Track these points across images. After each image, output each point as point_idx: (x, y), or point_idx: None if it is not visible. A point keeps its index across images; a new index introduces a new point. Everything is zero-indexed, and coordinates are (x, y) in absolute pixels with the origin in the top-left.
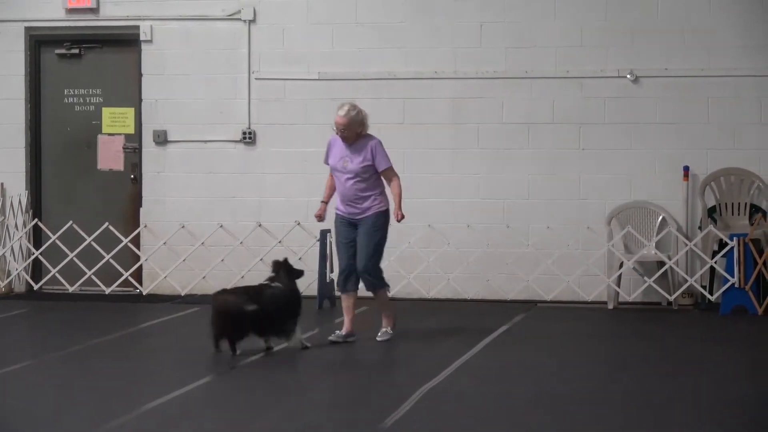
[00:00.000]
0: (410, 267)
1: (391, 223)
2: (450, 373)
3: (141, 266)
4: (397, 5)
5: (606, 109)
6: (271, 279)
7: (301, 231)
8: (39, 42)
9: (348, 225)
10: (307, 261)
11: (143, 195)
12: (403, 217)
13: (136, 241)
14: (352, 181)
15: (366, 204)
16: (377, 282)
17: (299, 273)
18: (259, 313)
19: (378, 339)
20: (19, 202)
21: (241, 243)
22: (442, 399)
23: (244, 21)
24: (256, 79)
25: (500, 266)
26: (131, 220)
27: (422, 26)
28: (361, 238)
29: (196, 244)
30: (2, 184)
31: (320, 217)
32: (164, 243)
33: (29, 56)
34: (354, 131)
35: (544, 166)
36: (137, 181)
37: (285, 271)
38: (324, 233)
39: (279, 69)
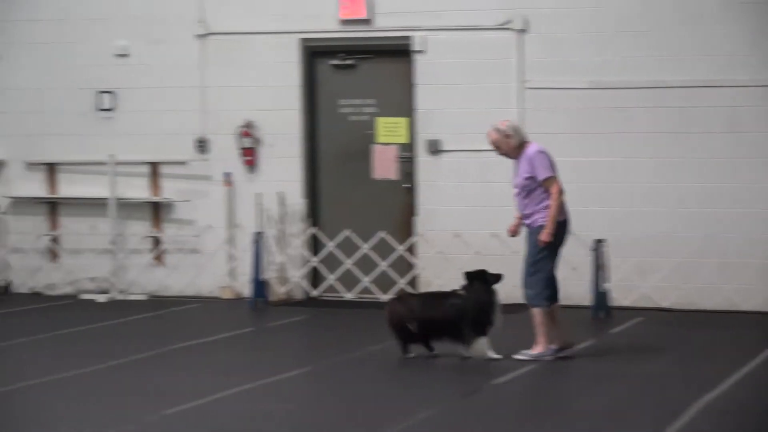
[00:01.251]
0: (686, 278)
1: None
2: (727, 387)
3: (416, 275)
4: (669, 13)
5: None
6: (463, 288)
7: (574, 240)
8: (314, 53)
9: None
10: (580, 270)
11: (417, 204)
12: (545, 243)
13: (411, 249)
14: (519, 197)
15: (533, 218)
16: (532, 299)
17: (494, 280)
18: (427, 320)
19: (513, 356)
20: (297, 210)
21: (514, 252)
22: (717, 414)
23: (515, 31)
24: (527, 88)
25: None
26: (406, 228)
27: (694, 33)
28: (526, 251)
29: (470, 253)
30: (281, 192)
31: (512, 233)
32: (439, 252)
33: (304, 67)
34: (505, 147)
35: None
36: (411, 190)
37: (479, 281)
38: (598, 242)
39: (550, 78)
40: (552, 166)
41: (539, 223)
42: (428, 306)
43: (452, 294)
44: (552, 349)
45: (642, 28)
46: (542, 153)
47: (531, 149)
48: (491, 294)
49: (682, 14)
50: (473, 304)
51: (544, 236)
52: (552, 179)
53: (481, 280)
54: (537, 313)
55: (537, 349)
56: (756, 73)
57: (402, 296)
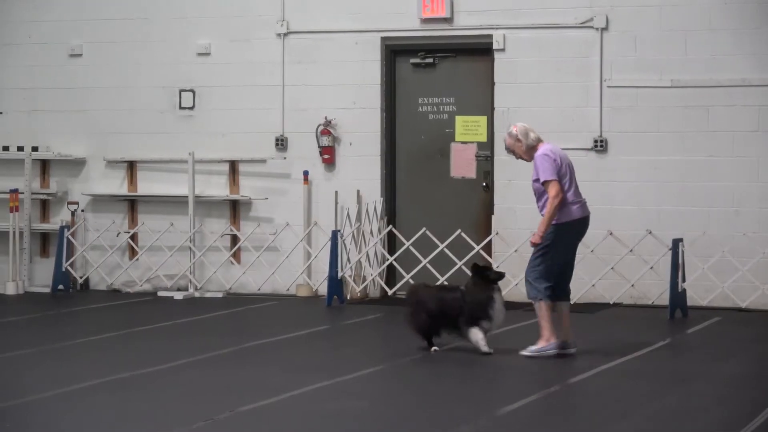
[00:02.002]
0: (765, 278)
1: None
2: None
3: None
4: (752, 10)
5: None
6: (466, 284)
7: (652, 240)
8: (394, 52)
9: None
10: (658, 270)
11: (495, 203)
12: (536, 244)
13: (487, 248)
14: (536, 198)
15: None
16: (530, 292)
17: (496, 276)
18: (431, 312)
19: (521, 352)
20: (375, 208)
21: (592, 251)
22: None
23: (596, 29)
24: (608, 87)
25: None
26: (483, 227)
27: None
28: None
29: None
30: (358, 191)
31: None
32: (515, 250)
33: (385, 66)
34: (518, 151)
35: None
36: (489, 188)
37: (478, 276)
38: (676, 242)
39: (631, 76)
40: (553, 168)
41: None
42: (433, 299)
43: (455, 288)
44: (554, 343)
45: (723, 26)
46: (545, 156)
47: (538, 152)
48: (491, 290)
49: (764, 11)
50: (470, 298)
51: (534, 238)
52: (550, 182)
53: (483, 276)
54: (539, 307)
55: (540, 344)
56: None
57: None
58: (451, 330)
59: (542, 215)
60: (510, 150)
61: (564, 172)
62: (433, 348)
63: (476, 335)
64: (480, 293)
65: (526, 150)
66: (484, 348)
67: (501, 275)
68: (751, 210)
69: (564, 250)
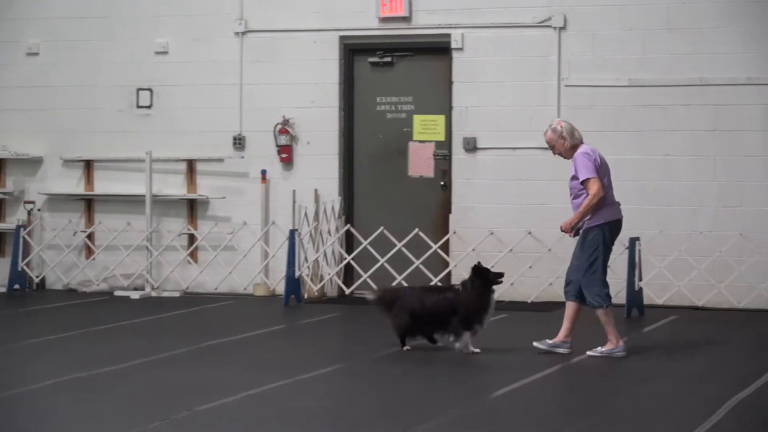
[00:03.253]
0: (721, 276)
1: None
2: (761, 384)
3: (450, 272)
4: (709, 10)
5: None
6: (462, 283)
7: None
8: (353, 51)
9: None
10: (615, 269)
11: (453, 202)
12: (565, 231)
13: (445, 247)
14: (572, 197)
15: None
16: (592, 300)
17: (492, 278)
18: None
19: (588, 352)
20: (332, 207)
21: (549, 250)
22: (752, 411)
23: (555, 28)
24: (566, 86)
25: None
26: (440, 226)
27: (735, 31)
28: (579, 251)
29: (504, 251)
30: (316, 190)
31: (572, 234)
32: (473, 249)
33: (343, 65)
34: (560, 148)
35: None
36: (447, 187)
37: (476, 276)
38: (632, 241)
39: (589, 76)
40: (594, 167)
41: (587, 225)
42: (424, 299)
43: (449, 288)
44: (622, 346)
45: (681, 25)
46: (586, 154)
47: (579, 150)
48: (490, 292)
49: (724, 10)
50: (467, 301)
51: (564, 223)
52: (590, 180)
53: (483, 278)
54: (601, 313)
55: (608, 346)
56: None
57: (391, 289)
58: (443, 331)
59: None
60: (551, 145)
61: (603, 173)
62: (406, 347)
63: (466, 337)
64: (478, 296)
65: (569, 148)
66: (473, 349)
67: (502, 275)
68: (708, 209)
69: (608, 249)
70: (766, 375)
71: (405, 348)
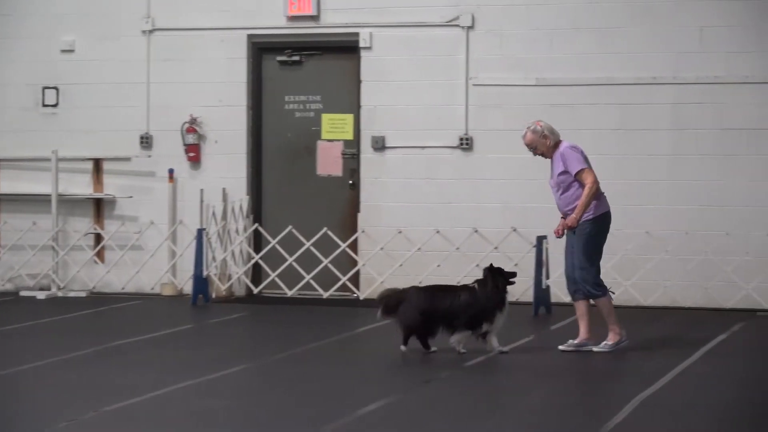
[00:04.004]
0: (627, 274)
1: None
2: (666, 382)
3: (358, 271)
4: (617, 10)
5: None
6: (478, 282)
7: (517, 237)
8: (261, 49)
9: (570, 233)
10: (523, 267)
11: (361, 200)
12: (562, 232)
13: (353, 246)
14: (558, 193)
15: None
16: (589, 290)
17: (506, 278)
18: (434, 312)
19: (594, 349)
20: (240, 207)
21: (457, 249)
22: (656, 409)
23: (462, 27)
24: (473, 85)
25: (719, 274)
26: (349, 225)
27: (642, 31)
28: (575, 247)
29: (413, 250)
30: (224, 189)
31: (558, 234)
32: (381, 248)
33: (251, 63)
34: (542, 147)
35: (766, 173)
36: (355, 186)
37: (491, 276)
38: (540, 239)
39: (497, 75)
40: (584, 158)
41: (584, 218)
42: (436, 298)
43: (463, 288)
44: (625, 336)
45: (588, 25)
46: (573, 148)
47: (562, 146)
48: (504, 293)
49: (631, 11)
50: (482, 300)
51: (570, 220)
52: (585, 170)
53: (498, 278)
54: (602, 304)
55: (612, 339)
56: (702, 70)
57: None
58: (453, 330)
59: (566, 210)
60: (531, 146)
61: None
62: (433, 348)
63: (465, 335)
64: (493, 295)
65: (552, 146)
66: (503, 348)
67: (515, 275)
68: (615, 207)
69: (602, 241)
70: (671, 372)
71: (403, 348)
